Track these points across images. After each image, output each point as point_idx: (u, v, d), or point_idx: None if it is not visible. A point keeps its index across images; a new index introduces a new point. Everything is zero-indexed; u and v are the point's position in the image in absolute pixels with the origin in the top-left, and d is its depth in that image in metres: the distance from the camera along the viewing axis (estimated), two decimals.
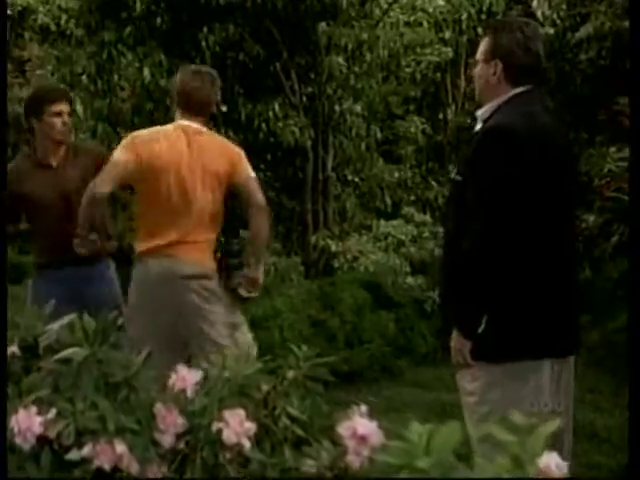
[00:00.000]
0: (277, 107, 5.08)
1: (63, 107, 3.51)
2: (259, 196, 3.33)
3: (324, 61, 5.36)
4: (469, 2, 6.51)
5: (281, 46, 5.38)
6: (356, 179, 6.07)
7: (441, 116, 8.68)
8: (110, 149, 5.43)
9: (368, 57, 5.46)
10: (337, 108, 5.73)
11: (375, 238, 6.38)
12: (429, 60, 6.34)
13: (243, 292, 3.55)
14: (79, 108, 4.98)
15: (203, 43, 5.03)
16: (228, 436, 1.23)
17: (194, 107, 3.31)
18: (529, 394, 2.38)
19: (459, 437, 0.88)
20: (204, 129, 3.35)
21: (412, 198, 6.90)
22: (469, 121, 8.89)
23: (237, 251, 5.36)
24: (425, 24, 7.18)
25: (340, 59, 5.23)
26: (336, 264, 5.73)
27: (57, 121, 3.49)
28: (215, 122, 5.31)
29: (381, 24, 5.85)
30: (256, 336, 4.77)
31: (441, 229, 7.37)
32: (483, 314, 2.36)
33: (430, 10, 6.49)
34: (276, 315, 4.98)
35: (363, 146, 5.84)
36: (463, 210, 2.45)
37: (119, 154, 3.22)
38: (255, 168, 5.96)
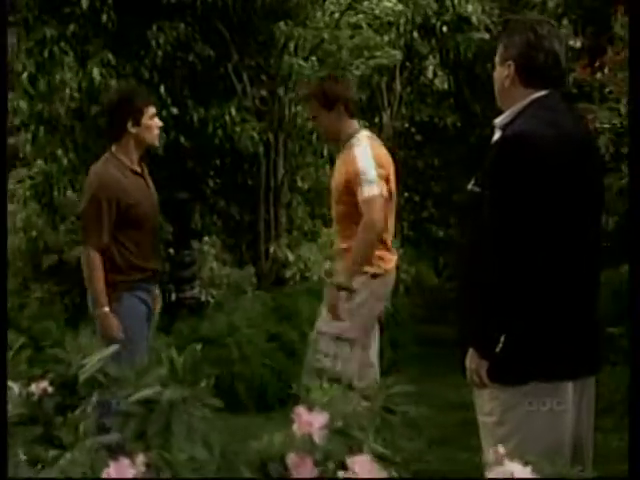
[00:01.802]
0: (234, 111, 4.96)
1: (154, 109, 3.44)
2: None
3: (280, 62, 5.27)
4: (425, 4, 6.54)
5: (231, 47, 5.26)
6: (306, 186, 6.01)
7: (377, 120, 8.71)
8: (52, 156, 5.21)
9: (329, 59, 5.41)
10: (287, 112, 5.65)
11: (321, 246, 6.32)
12: (379, 63, 6.34)
13: None
14: (25, 110, 4.73)
15: (153, 42, 4.86)
16: None
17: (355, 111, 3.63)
18: (551, 416, 2.34)
19: None
20: (355, 136, 3.54)
21: None
22: (406, 125, 9.00)
23: (189, 263, 5.24)
24: (365, 26, 7.17)
25: (300, 60, 5.16)
26: (288, 274, 5.64)
27: (155, 124, 3.39)
28: (165, 127, 5.17)
29: (330, 25, 5.81)
30: (214, 353, 4.66)
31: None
32: (502, 333, 2.30)
33: (377, 12, 6.49)
34: (233, 331, 4.85)
35: (320, 151, 5.79)
36: (481, 224, 2.40)
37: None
38: (204, 175, 5.84)
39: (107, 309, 3.32)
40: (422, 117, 8.60)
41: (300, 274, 5.62)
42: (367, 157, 3.43)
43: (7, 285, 3.16)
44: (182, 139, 5.09)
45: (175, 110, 5.01)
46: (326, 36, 5.36)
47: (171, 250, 5.19)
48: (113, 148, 3.42)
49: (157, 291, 3.66)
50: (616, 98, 5.83)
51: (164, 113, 5.08)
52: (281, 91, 5.55)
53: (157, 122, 3.42)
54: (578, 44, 8.47)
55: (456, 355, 2.50)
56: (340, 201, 3.51)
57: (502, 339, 2.31)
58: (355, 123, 3.59)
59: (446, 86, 8.58)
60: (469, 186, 2.51)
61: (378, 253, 3.49)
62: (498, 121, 2.48)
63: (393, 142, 8.64)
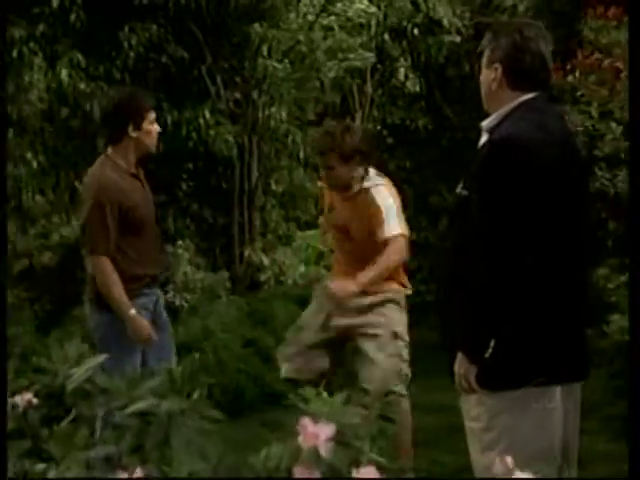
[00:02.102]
0: (208, 114, 4.91)
1: (154, 114, 3.37)
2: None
3: (255, 64, 5.23)
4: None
5: (205, 49, 5.21)
6: (280, 189, 5.97)
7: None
8: (21, 159, 5.10)
9: (305, 61, 5.38)
10: (261, 115, 5.61)
11: (296, 249, 6.29)
12: (352, 65, 6.34)
13: None
14: None
15: (125, 43, 4.79)
16: None
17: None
18: (539, 422, 2.34)
19: None
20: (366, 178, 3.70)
21: None
22: (378, 128, 9.00)
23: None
24: (337, 28, 7.16)
25: (275, 62, 5.12)
26: (262, 278, 5.60)
27: (154, 129, 3.31)
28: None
29: (304, 27, 5.78)
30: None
31: None
32: (491, 338, 2.29)
33: (350, 14, 6.47)
34: (209, 336, 4.80)
35: (295, 155, 5.76)
36: (469, 227, 2.38)
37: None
38: (178, 179, 5.78)
39: (134, 311, 3.23)
40: (394, 120, 8.60)
41: (275, 278, 5.59)
42: (387, 199, 3.61)
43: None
44: None
45: None
46: (302, 38, 5.34)
47: None
48: (109, 150, 3.33)
49: (159, 293, 3.57)
50: (587, 101, 5.89)
51: None
52: (255, 94, 5.52)
53: (156, 127, 3.34)
54: None
55: (443, 359, 2.49)
56: (359, 239, 3.69)
57: (492, 344, 2.30)
58: (363, 168, 3.66)
59: (418, 89, 8.59)
60: (457, 189, 2.50)
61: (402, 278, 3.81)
62: (485, 124, 2.46)
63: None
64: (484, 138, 2.46)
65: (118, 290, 3.19)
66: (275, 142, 5.75)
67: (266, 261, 5.47)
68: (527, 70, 2.39)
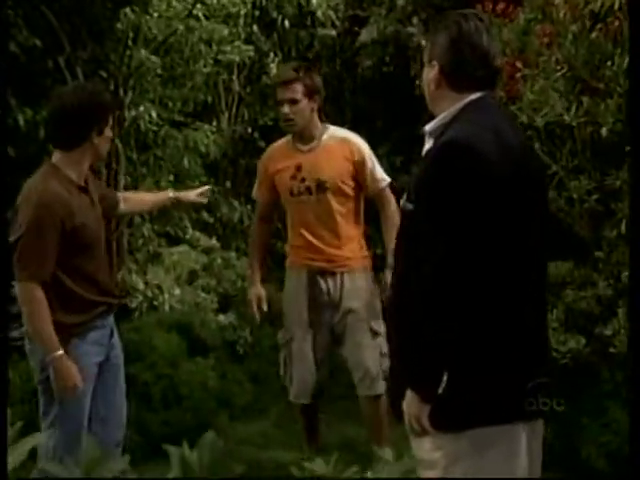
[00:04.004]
0: None
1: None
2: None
3: (123, 56, 4.90)
4: None
5: (62, 36, 4.83)
6: None
7: (214, 124, 8.42)
8: None
9: (183, 54, 5.11)
10: (127, 114, 5.29)
11: (168, 268, 5.97)
12: (230, 59, 6.12)
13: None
14: None
15: None
16: None
17: None
18: (503, 464, 2.23)
19: None
20: (329, 128, 4.15)
21: (211, 220, 6.61)
22: (250, 130, 8.77)
23: (15, 296, 4.68)
24: (202, 17, 6.90)
25: (148, 54, 4.81)
26: (133, 303, 5.24)
27: (110, 135, 3.17)
28: None
29: (177, 14, 5.50)
30: None
31: (232, 254, 7.16)
32: (444, 371, 2.16)
33: (223, 1, 6.23)
34: None
35: (179, 161, 5.45)
36: (417, 244, 2.26)
37: None
38: None
39: (62, 352, 3.03)
40: (266, 121, 8.41)
41: (149, 303, 5.25)
42: (367, 147, 3.98)
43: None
44: (8, 147, 4.60)
45: None
46: (181, 27, 5.07)
47: None
48: (56, 159, 3.09)
49: (112, 320, 3.37)
50: None
51: None
52: (121, 90, 5.18)
53: (110, 132, 3.19)
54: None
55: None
56: (343, 192, 3.91)
57: (445, 378, 2.18)
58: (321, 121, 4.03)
59: None
60: (401, 203, 2.39)
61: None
62: (429, 128, 2.36)
63: (234, 149, 8.40)
64: (428, 144, 2.35)
65: (48, 325, 3.00)
66: (149, 149, 5.43)
67: (140, 284, 5.13)
68: (467, 68, 2.30)
